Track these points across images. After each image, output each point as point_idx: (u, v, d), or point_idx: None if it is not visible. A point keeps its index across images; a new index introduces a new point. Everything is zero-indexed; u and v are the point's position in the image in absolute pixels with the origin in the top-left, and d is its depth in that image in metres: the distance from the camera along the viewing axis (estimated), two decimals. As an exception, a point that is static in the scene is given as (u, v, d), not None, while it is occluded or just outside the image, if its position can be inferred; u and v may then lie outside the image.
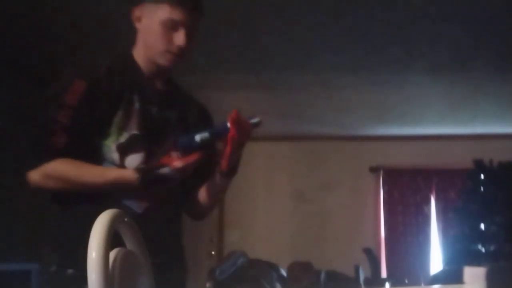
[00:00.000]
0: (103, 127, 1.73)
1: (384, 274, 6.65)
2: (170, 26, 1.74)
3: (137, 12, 1.79)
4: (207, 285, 4.62)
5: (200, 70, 4.96)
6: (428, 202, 6.94)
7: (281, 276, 5.30)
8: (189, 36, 1.75)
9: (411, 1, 3.76)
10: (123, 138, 1.74)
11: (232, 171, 1.81)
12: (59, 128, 1.70)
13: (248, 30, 4.23)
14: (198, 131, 1.73)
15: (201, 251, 6.50)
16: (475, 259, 5.31)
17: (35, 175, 1.72)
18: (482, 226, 5.65)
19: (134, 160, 1.75)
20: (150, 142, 1.77)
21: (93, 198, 1.70)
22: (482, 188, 5.77)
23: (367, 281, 5.42)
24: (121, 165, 1.74)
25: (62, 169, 1.70)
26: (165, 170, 1.67)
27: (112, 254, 1.30)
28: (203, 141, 1.70)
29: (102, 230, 1.25)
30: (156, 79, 1.84)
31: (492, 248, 5.52)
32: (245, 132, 1.71)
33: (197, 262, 6.25)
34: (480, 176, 5.79)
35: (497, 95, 5.58)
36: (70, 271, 1.71)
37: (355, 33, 4.23)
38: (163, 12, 1.73)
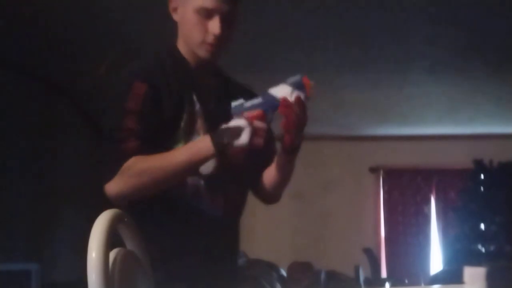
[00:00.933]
0: (171, 131, 1.65)
1: (384, 274, 6.66)
2: (204, 15, 1.64)
3: (173, 3, 1.73)
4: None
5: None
6: (428, 202, 6.94)
7: (281, 276, 5.30)
8: (225, 24, 1.65)
9: (411, 1, 3.76)
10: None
11: (296, 147, 1.68)
12: (128, 134, 1.60)
13: (247, 30, 4.23)
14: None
15: (201, 251, 6.49)
16: (475, 259, 5.31)
17: (114, 184, 1.60)
18: (482, 226, 5.65)
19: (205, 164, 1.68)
20: None
21: (168, 207, 1.66)
22: (482, 188, 5.77)
23: (367, 281, 5.42)
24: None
25: (137, 164, 1.58)
26: (232, 122, 1.56)
27: (112, 254, 1.30)
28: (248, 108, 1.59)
29: (102, 230, 1.25)
30: (205, 73, 1.76)
31: (492, 248, 5.53)
32: (300, 117, 1.58)
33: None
34: (480, 176, 5.79)
35: (497, 95, 5.57)
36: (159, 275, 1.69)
37: (355, 33, 4.23)
38: (196, 0, 1.64)
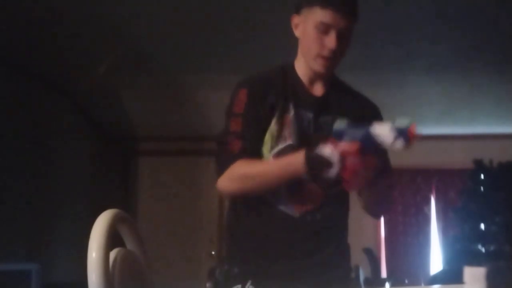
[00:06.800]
0: (263, 134, 1.79)
1: (384, 274, 6.65)
2: (322, 30, 1.77)
3: (295, 19, 1.87)
4: (207, 285, 4.61)
5: (200, 69, 4.95)
6: (428, 202, 6.93)
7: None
8: (341, 39, 1.78)
9: (411, 1, 3.76)
10: (278, 147, 1.78)
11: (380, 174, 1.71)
12: (233, 136, 1.79)
13: (248, 30, 4.23)
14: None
15: (201, 251, 6.51)
16: (475, 259, 5.30)
17: (222, 181, 1.79)
18: (482, 226, 5.64)
19: None
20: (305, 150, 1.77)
21: (254, 207, 1.82)
22: (482, 188, 5.76)
23: (367, 281, 5.42)
24: None
25: (241, 168, 1.76)
26: (326, 151, 1.62)
27: (112, 254, 1.31)
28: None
29: (102, 230, 1.26)
30: (316, 86, 1.88)
31: (492, 248, 5.52)
32: (363, 180, 1.64)
33: (197, 262, 6.25)
34: (480, 176, 5.78)
35: (497, 95, 5.57)
36: (236, 269, 1.82)
37: (355, 32, 4.23)
38: (315, 16, 1.77)
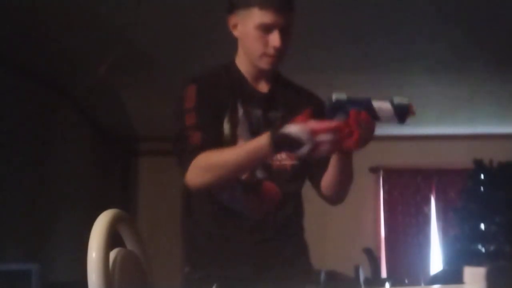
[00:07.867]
0: (220, 124, 1.77)
1: (384, 274, 6.65)
2: (264, 29, 1.76)
3: (232, 20, 1.84)
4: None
5: (199, 70, 4.94)
6: (428, 202, 6.93)
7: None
8: (284, 36, 1.78)
9: (411, 1, 3.76)
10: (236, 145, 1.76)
11: None
12: (191, 130, 1.74)
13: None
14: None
15: (201, 251, 6.50)
16: (475, 259, 5.31)
17: (190, 175, 1.71)
18: (482, 226, 5.64)
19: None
20: None
21: (210, 210, 1.79)
22: (482, 188, 5.76)
23: (367, 281, 5.42)
24: None
25: (207, 159, 1.70)
26: (295, 129, 1.56)
27: (112, 254, 1.31)
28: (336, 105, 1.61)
29: (102, 230, 1.26)
30: (260, 82, 1.87)
31: (492, 248, 5.52)
32: (368, 133, 1.66)
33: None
34: (480, 176, 5.78)
35: (497, 95, 5.57)
36: (198, 273, 1.80)
37: (355, 33, 4.23)
38: (254, 17, 1.76)
